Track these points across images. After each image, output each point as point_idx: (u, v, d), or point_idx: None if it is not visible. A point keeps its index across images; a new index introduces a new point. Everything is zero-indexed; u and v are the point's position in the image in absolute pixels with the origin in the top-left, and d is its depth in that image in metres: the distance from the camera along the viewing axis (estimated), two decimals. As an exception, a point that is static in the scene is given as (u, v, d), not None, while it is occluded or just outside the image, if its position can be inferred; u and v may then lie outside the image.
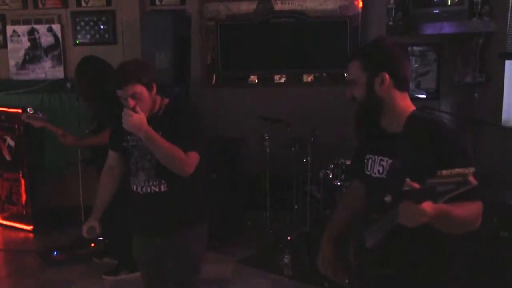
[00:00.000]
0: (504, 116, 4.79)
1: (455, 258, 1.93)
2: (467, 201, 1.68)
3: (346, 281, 2.14)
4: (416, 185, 1.55)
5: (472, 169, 1.46)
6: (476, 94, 4.97)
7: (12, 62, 6.01)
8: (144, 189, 2.62)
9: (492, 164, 4.32)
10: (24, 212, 5.41)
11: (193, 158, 2.53)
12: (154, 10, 5.86)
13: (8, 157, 5.44)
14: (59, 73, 5.96)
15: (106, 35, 5.92)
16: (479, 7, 4.76)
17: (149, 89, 2.57)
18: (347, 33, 5.62)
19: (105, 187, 2.88)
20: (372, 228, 1.86)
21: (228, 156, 4.94)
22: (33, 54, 5.98)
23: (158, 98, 2.66)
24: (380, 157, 1.95)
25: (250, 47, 5.82)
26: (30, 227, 5.39)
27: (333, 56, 5.71)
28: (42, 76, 5.96)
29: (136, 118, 2.42)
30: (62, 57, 5.95)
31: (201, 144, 2.59)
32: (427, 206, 1.56)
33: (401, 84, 1.94)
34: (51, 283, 4.26)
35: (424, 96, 5.45)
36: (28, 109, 4.07)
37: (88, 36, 5.93)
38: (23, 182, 5.37)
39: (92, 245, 4.77)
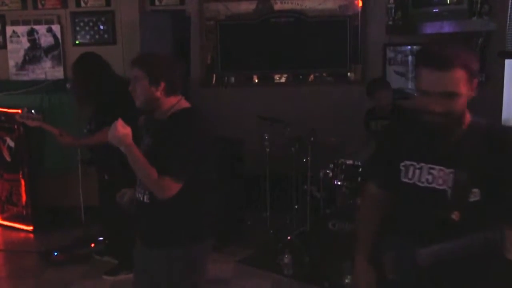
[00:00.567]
0: (504, 116, 4.78)
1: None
2: None
3: None
4: None
5: None
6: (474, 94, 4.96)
7: (11, 63, 6.01)
8: (137, 193, 2.59)
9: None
10: (24, 213, 5.41)
11: (169, 183, 2.34)
12: (154, 10, 5.86)
13: (8, 158, 5.44)
14: (58, 73, 5.96)
15: (106, 36, 5.91)
16: (479, 6, 4.75)
17: (152, 82, 2.41)
18: (347, 33, 5.62)
19: None
20: (433, 248, 1.77)
21: (228, 156, 4.93)
22: (33, 55, 5.97)
23: (172, 100, 2.47)
24: (429, 165, 1.83)
25: (250, 47, 5.82)
26: (30, 228, 5.38)
27: (333, 55, 5.71)
28: (42, 76, 5.96)
29: (120, 131, 2.36)
30: (61, 57, 5.95)
31: (185, 170, 2.37)
32: None
33: None
34: (51, 283, 4.26)
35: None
36: (24, 109, 4.07)
37: (88, 37, 5.93)
38: (23, 182, 5.37)
39: (92, 245, 4.77)
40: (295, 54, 5.75)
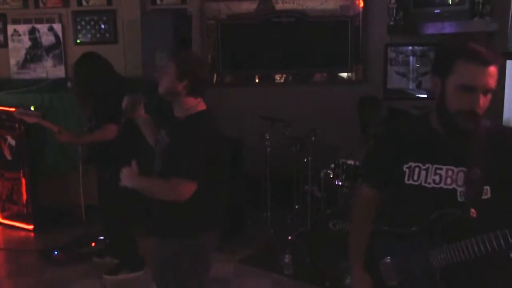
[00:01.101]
0: (505, 116, 4.77)
1: None
2: None
3: None
4: None
5: None
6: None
7: (13, 62, 6.01)
8: None
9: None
10: (25, 211, 5.41)
11: (179, 186, 2.45)
12: (155, 9, 5.86)
13: (8, 157, 5.44)
14: (60, 72, 5.96)
15: (107, 35, 5.92)
16: (480, 7, 4.75)
17: (178, 76, 2.55)
18: (348, 33, 5.62)
19: None
20: (448, 247, 1.76)
21: (228, 156, 4.93)
22: (34, 54, 5.97)
23: (191, 101, 2.60)
24: (436, 166, 1.82)
25: (251, 47, 5.82)
26: (30, 227, 5.38)
27: (334, 55, 5.71)
28: (43, 75, 5.96)
29: (126, 173, 2.53)
30: (63, 56, 5.95)
31: (193, 171, 2.47)
32: None
33: None
34: (52, 282, 4.26)
35: (425, 96, 5.45)
36: (19, 108, 4.08)
37: (89, 36, 5.93)
38: (23, 181, 5.37)
39: (93, 244, 4.77)
40: (296, 54, 5.75)
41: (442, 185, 1.82)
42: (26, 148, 5.32)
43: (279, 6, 5.76)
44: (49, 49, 5.95)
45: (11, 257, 4.84)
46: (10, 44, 5.98)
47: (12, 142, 5.38)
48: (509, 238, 1.63)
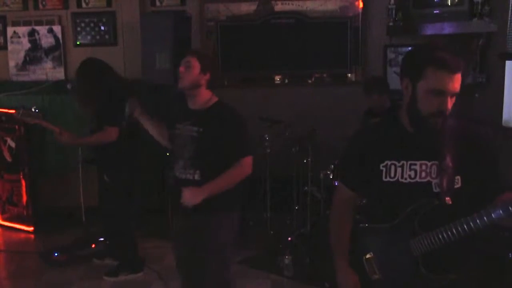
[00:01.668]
0: (505, 116, 4.78)
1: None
2: None
3: None
4: None
5: None
6: (476, 95, 4.96)
7: (12, 63, 6.01)
8: (181, 175, 2.89)
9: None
10: (25, 213, 5.41)
11: (247, 161, 2.86)
12: (155, 11, 5.87)
13: (8, 158, 5.44)
14: (59, 74, 5.96)
15: (107, 36, 5.92)
16: (480, 7, 4.76)
17: (202, 70, 2.87)
18: (347, 34, 5.63)
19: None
20: (426, 236, 1.90)
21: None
22: (34, 55, 5.98)
23: (208, 93, 2.94)
24: (410, 162, 1.95)
25: (251, 48, 5.82)
26: (30, 228, 5.39)
27: (334, 56, 5.71)
28: (43, 77, 5.96)
29: (188, 196, 2.73)
30: (62, 58, 5.95)
31: (249, 147, 2.94)
32: None
33: None
34: (52, 284, 4.26)
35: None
36: (20, 109, 4.08)
37: (89, 37, 5.94)
38: (23, 183, 5.37)
39: (93, 245, 4.78)
40: (295, 55, 5.75)
41: (417, 179, 1.95)
42: (26, 150, 5.32)
43: (278, 7, 5.77)
44: (49, 51, 5.96)
45: (11, 259, 4.84)
46: (10, 46, 5.98)
47: (12, 144, 5.38)
48: (479, 222, 1.77)
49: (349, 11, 5.68)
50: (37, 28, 5.93)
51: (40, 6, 5.92)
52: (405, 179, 1.95)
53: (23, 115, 4.05)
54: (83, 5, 5.89)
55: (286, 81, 5.95)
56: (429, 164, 1.94)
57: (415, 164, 1.95)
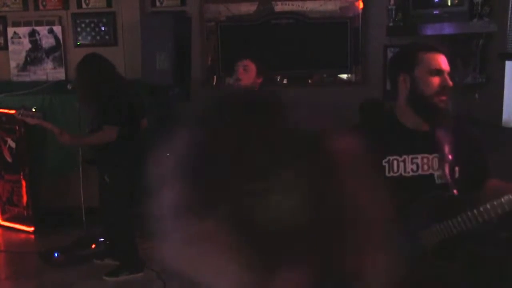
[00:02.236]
0: (505, 117, 4.78)
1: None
2: None
3: None
4: None
5: None
6: (476, 95, 4.96)
7: (13, 64, 6.02)
8: None
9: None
10: (25, 214, 5.41)
11: None
12: (155, 11, 5.87)
13: (9, 159, 5.44)
14: (60, 74, 5.97)
15: (107, 37, 5.92)
16: (479, 8, 4.75)
17: (258, 73, 3.34)
18: (347, 34, 5.63)
19: None
20: (436, 226, 1.94)
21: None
22: (34, 56, 5.98)
23: None
24: (411, 156, 2.01)
25: (251, 49, 5.82)
26: (31, 229, 5.39)
27: (334, 57, 5.71)
28: (43, 77, 5.97)
29: None
30: (63, 58, 5.96)
31: None
32: None
33: None
34: (52, 284, 4.26)
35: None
36: (20, 109, 4.08)
37: (89, 38, 5.94)
38: (24, 183, 5.37)
39: (93, 246, 4.78)
40: (295, 56, 5.75)
41: (420, 172, 2.02)
42: (26, 150, 5.33)
43: (278, 7, 5.77)
44: (49, 51, 5.96)
45: (12, 259, 4.84)
46: (10, 47, 5.98)
47: (12, 144, 5.38)
48: (486, 215, 1.84)
49: (349, 12, 5.68)
50: (38, 28, 5.93)
51: (41, 6, 5.92)
52: (408, 173, 2.01)
53: (24, 115, 4.05)
54: (83, 5, 5.89)
55: (286, 81, 5.96)
56: (430, 157, 2.00)
57: (417, 158, 2.01)
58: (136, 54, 5.48)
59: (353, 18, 5.65)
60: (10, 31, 5.96)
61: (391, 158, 2.02)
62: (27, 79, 5.96)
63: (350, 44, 5.64)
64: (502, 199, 1.81)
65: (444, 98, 1.96)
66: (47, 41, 5.94)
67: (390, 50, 5.59)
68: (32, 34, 5.94)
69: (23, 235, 5.38)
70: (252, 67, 3.29)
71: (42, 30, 5.93)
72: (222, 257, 0.72)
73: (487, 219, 1.85)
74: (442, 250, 1.97)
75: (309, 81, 5.91)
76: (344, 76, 5.86)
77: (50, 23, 5.93)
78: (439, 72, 1.95)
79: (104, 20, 5.91)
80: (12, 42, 5.97)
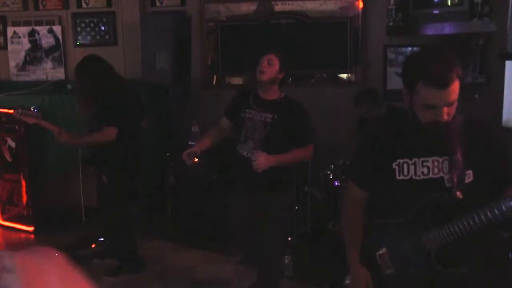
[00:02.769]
0: (505, 117, 4.78)
1: None
2: None
3: None
4: None
5: None
6: (476, 95, 4.97)
7: (12, 64, 6.02)
8: (250, 154, 3.25)
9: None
10: (25, 213, 5.41)
11: (310, 148, 3.37)
12: (155, 11, 5.87)
13: (9, 158, 5.44)
14: (59, 74, 5.97)
15: (107, 36, 5.93)
16: (479, 7, 4.75)
17: (281, 68, 3.33)
18: (347, 34, 5.63)
19: (213, 133, 3.65)
20: (439, 230, 1.93)
21: (228, 156, 4.94)
22: (34, 56, 5.98)
23: (277, 88, 3.38)
24: (422, 159, 1.99)
25: (250, 48, 5.82)
26: (31, 228, 5.38)
27: (334, 57, 5.71)
28: (43, 77, 5.97)
29: (263, 160, 3.13)
30: (62, 58, 5.96)
31: (313, 135, 3.54)
32: None
33: None
34: (52, 284, 4.25)
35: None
36: (19, 109, 4.08)
37: (89, 37, 5.94)
38: (24, 183, 5.37)
39: (93, 246, 4.78)
40: (295, 56, 5.71)
41: (430, 175, 1.99)
42: (26, 150, 5.32)
43: (278, 7, 5.77)
44: (49, 51, 5.96)
45: (11, 259, 4.83)
46: (10, 46, 5.98)
47: (12, 144, 5.38)
48: (490, 215, 1.80)
49: (349, 11, 5.68)
50: (37, 28, 5.93)
51: (40, 6, 5.92)
52: (419, 176, 1.99)
53: (22, 114, 4.05)
54: (83, 5, 5.89)
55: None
56: (440, 159, 1.97)
57: (427, 161, 1.98)
58: (136, 54, 5.48)
59: (353, 17, 5.65)
60: (10, 30, 5.96)
61: (401, 161, 2.00)
62: (27, 78, 5.96)
63: (350, 44, 5.64)
64: (502, 203, 1.78)
65: (438, 127, 1.91)
66: (46, 41, 5.94)
67: (390, 50, 5.59)
68: (32, 33, 5.94)
69: (23, 235, 5.37)
70: (276, 62, 3.32)
71: (42, 29, 5.93)
72: None
73: (484, 224, 1.82)
74: (446, 255, 1.96)
75: (309, 81, 5.90)
76: (344, 75, 5.86)
77: (50, 22, 5.93)
78: (433, 107, 1.88)
79: (104, 20, 5.91)
80: (12, 42, 5.98)
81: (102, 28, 5.92)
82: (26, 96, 5.52)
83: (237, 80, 6.14)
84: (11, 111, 5.26)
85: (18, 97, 5.43)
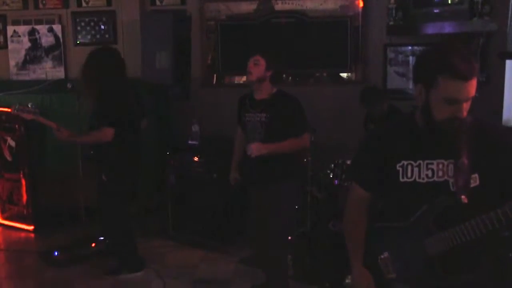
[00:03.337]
0: (505, 116, 4.78)
1: None
2: None
3: None
4: None
5: None
6: (476, 94, 4.95)
7: (12, 63, 6.02)
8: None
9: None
10: (25, 212, 5.41)
11: (306, 137, 3.54)
12: (155, 10, 5.87)
13: (9, 158, 5.44)
14: (59, 73, 5.97)
15: (107, 35, 5.92)
16: (480, 6, 4.75)
17: (267, 67, 3.52)
18: (347, 33, 5.61)
19: (239, 144, 3.89)
20: (442, 234, 1.90)
21: (228, 156, 4.93)
22: (34, 55, 5.98)
23: (269, 85, 3.57)
24: (427, 161, 1.95)
25: (251, 47, 5.79)
26: (31, 227, 5.39)
27: (334, 56, 5.70)
28: (43, 76, 5.97)
29: (256, 147, 3.42)
30: (62, 57, 5.96)
31: (307, 125, 3.59)
32: None
33: None
34: (52, 283, 4.26)
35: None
36: (16, 105, 4.07)
37: (89, 36, 5.94)
38: (24, 182, 5.37)
39: (93, 245, 4.78)
40: (295, 55, 5.74)
41: (435, 178, 1.95)
42: (26, 149, 5.32)
43: (278, 6, 5.76)
44: (49, 50, 5.96)
45: (11, 258, 4.84)
46: (10, 45, 5.98)
47: (12, 143, 5.38)
48: (496, 220, 1.76)
49: (349, 11, 5.67)
50: (37, 27, 5.93)
51: (40, 5, 5.92)
52: (423, 179, 1.95)
53: (19, 110, 4.04)
54: (83, 4, 5.89)
55: (286, 80, 5.93)
56: (446, 163, 1.93)
57: (432, 164, 1.94)
58: (136, 53, 5.48)
59: (353, 17, 5.64)
60: (10, 29, 5.96)
61: (406, 162, 1.97)
62: (27, 77, 5.96)
63: (350, 43, 5.63)
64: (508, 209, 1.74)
65: (454, 124, 1.87)
66: (46, 40, 5.94)
67: (390, 49, 5.59)
68: (32, 32, 5.94)
69: (23, 234, 5.38)
70: (262, 61, 3.51)
71: (42, 28, 5.93)
72: None
73: (492, 228, 1.78)
74: (448, 261, 1.92)
75: (309, 80, 5.90)
76: (344, 75, 5.85)
77: (50, 21, 5.93)
78: (455, 101, 1.83)
79: (104, 18, 5.91)
80: (12, 41, 5.98)
81: (102, 27, 5.92)
82: (26, 95, 5.52)
83: (237, 79, 6.12)
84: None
85: (18, 96, 5.42)
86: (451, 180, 1.92)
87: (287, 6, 5.74)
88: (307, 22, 5.70)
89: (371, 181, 2.10)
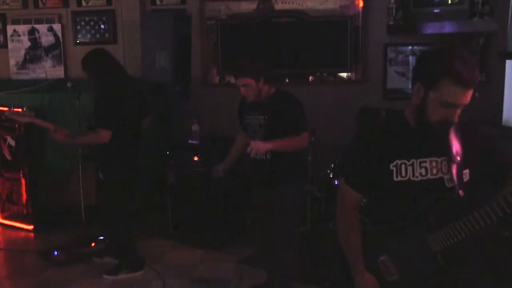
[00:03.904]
0: (505, 116, 4.78)
1: None
2: None
3: None
4: None
5: None
6: (476, 94, 4.94)
7: (12, 62, 6.02)
8: (255, 156, 3.42)
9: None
10: (25, 212, 5.41)
11: (305, 136, 3.49)
12: (155, 9, 5.87)
13: (8, 157, 5.44)
14: (59, 72, 5.97)
15: (107, 35, 5.92)
16: (480, 6, 4.75)
17: (256, 80, 3.43)
18: (347, 33, 5.62)
19: (238, 143, 3.95)
20: (443, 230, 1.90)
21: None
22: (34, 54, 5.98)
23: (266, 87, 3.51)
24: (420, 160, 1.97)
25: (251, 47, 5.82)
26: (30, 227, 5.39)
27: (334, 55, 5.70)
28: (43, 75, 5.96)
29: (259, 146, 3.35)
30: (62, 56, 5.96)
31: (306, 125, 3.52)
32: None
33: None
34: (52, 282, 4.26)
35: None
36: (10, 108, 4.07)
37: (89, 36, 5.94)
38: (23, 181, 5.37)
39: (93, 244, 4.78)
40: (295, 54, 5.74)
41: (429, 176, 1.97)
42: (26, 149, 5.32)
43: (278, 6, 5.76)
44: (49, 49, 5.96)
45: (11, 257, 4.84)
46: (10, 45, 5.98)
47: (12, 142, 5.38)
48: (495, 213, 1.77)
49: (350, 10, 5.67)
50: (37, 26, 5.93)
51: (40, 4, 5.92)
52: (417, 177, 1.96)
53: (13, 114, 4.05)
54: (83, 3, 5.89)
55: (286, 80, 5.94)
56: (439, 160, 1.96)
57: (425, 161, 1.96)
58: (136, 53, 5.48)
59: (353, 16, 5.64)
60: (10, 29, 5.96)
61: (399, 162, 1.97)
62: (27, 77, 5.96)
63: (350, 43, 5.64)
64: (501, 199, 1.75)
65: (444, 128, 1.91)
66: (46, 39, 5.94)
67: (390, 49, 5.59)
68: (32, 32, 5.94)
69: (22, 233, 5.38)
70: (250, 81, 3.42)
71: (42, 28, 5.93)
72: None
73: (492, 220, 1.78)
74: (452, 254, 1.92)
75: (309, 79, 5.89)
76: (344, 74, 5.85)
77: (50, 21, 5.93)
78: (451, 106, 1.87)
79: (104, 18, 5.91)
80: (12, 40, 5.98)
81: (102, 26, 5.91)
82: (26, 94, 5.52)
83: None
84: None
85: (18, 96, 5.42)
86: (445, 177, 1.95)
87: (287, 6, 5.74)
88: (307, 22, 5.70)
89: (362, 182, 2.07)
